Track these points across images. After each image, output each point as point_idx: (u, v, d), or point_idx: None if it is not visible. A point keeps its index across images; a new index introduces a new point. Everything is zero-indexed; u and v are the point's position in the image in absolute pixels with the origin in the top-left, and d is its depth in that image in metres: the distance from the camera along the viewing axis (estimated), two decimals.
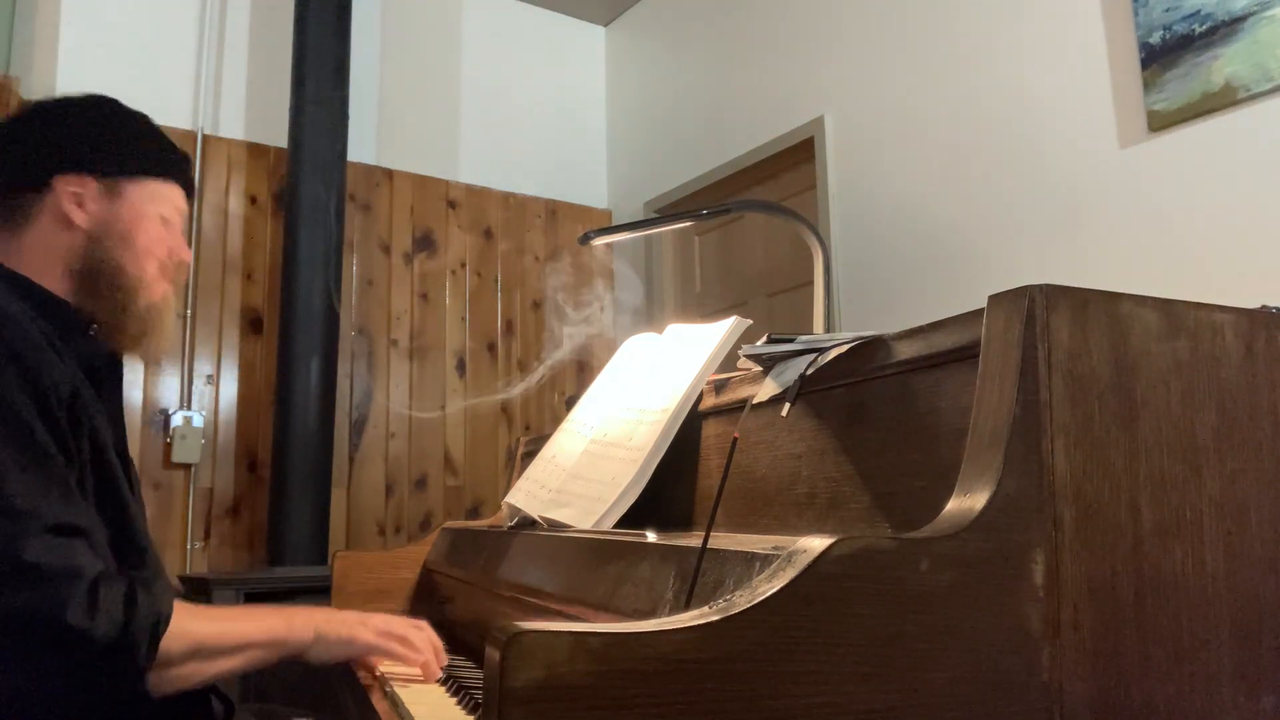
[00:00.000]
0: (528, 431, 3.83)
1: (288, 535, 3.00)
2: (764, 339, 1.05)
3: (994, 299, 0.77)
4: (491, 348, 3.84)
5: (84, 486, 1.05)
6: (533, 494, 1.49)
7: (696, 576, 0.80)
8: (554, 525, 1.34)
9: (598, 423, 1.46)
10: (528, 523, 1.45)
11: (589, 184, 4.24)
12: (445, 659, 1.24)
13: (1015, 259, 2.49)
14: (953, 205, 2.68)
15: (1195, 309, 0.81)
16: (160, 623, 0.99)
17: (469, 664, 1.31)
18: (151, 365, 3.11)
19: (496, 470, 3.74)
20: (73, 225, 1.17)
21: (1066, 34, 2.42)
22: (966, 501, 0.71)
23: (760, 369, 1.12)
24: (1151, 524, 0.75)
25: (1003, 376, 0.74)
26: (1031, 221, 2.47)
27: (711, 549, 0.80)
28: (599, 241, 1.76)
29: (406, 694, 1.13)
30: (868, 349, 0.93)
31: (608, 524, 1.24)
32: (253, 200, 3.40)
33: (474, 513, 3.65)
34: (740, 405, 1.17)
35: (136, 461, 3.08)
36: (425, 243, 3.75)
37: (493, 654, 0.59)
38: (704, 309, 3.72)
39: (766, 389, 1.07)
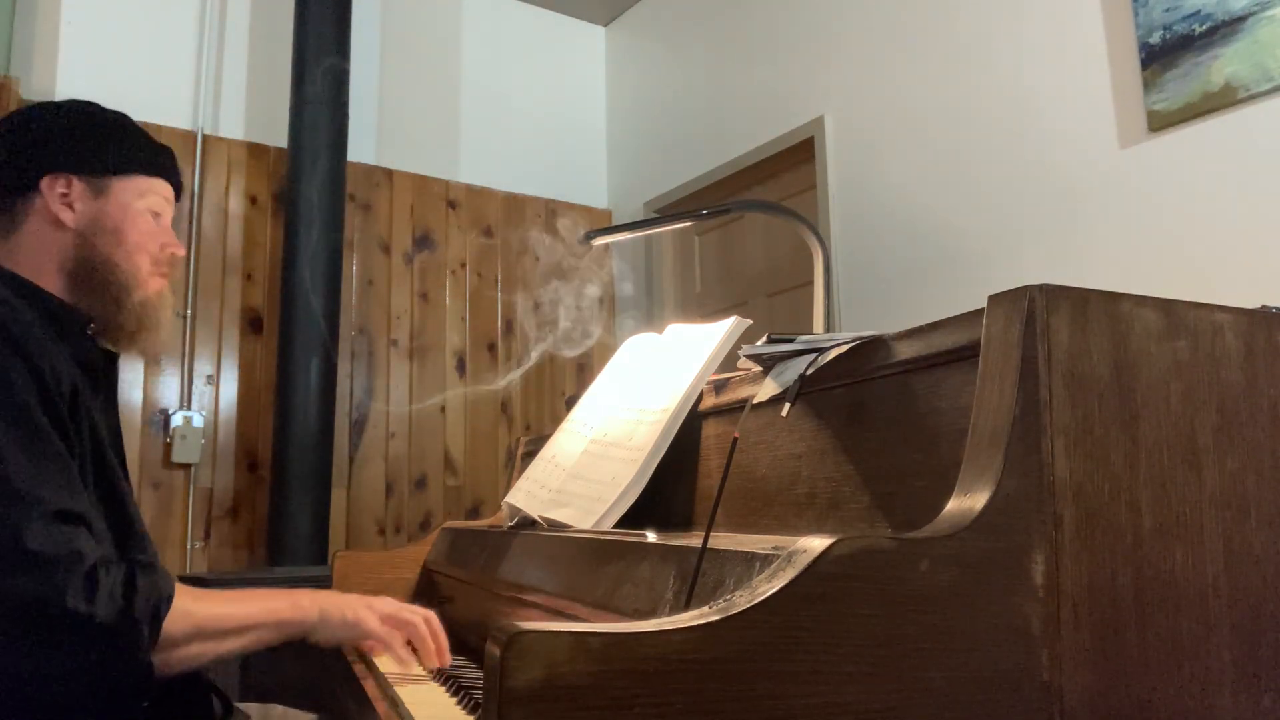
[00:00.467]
0: (528, 431, 3.83)
1: (288, 535, 3.00)
2: (764, 339, 1.05)
3: (994, 299, 0.77)
4: (491, 348, 3.84)
5: (84, 478, 1.06)
6: (533, 494, 1.49)
7: (696, 576, 0.80)
8: (554, 525, 1.34)
9: (598, 423, 1.46)
10: (528, 523, 1.45)
11: (589, 184, 4.24)
12: (449, 659, 1.24)
13: (1015, 259, 2.49)
14: (953, 205, 2.68)
15: (1195, 309, 0.81)
16: (163, 603, 1.00)
17: (469, 664, 1.31)
18: (150, 362, 3.11)
19: (496, 470, 3.74)
20: (63, 225, 1.19)
21: (1066, 34, 2.42)
22: (966, 501, 0.71)
23: (760, 369, 1.12)
24: (1151, 524, 0.75)
25: (1003, 376, 0.74)
26: (1031, 221, 2.47)
27: (711, 549, 0.80)
28: (599, 241, 1.76)
29: (406, 694, 1.13)
30: (868, 349, 0.93)
31: (608, 524, 1.24)
32: (253, 200, 3.40)
33: (474, 513, 3.65)
34: (740, 405, 1.17)
35: (136, 461, 3.09)
36: (425, 243, 3.75)
37: (493, 654, 0.59)
38: (704, 309, 3.72)
39: (766, 389, 1.07)
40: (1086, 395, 0.74)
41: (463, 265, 3.83)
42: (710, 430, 1.27)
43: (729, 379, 1.23)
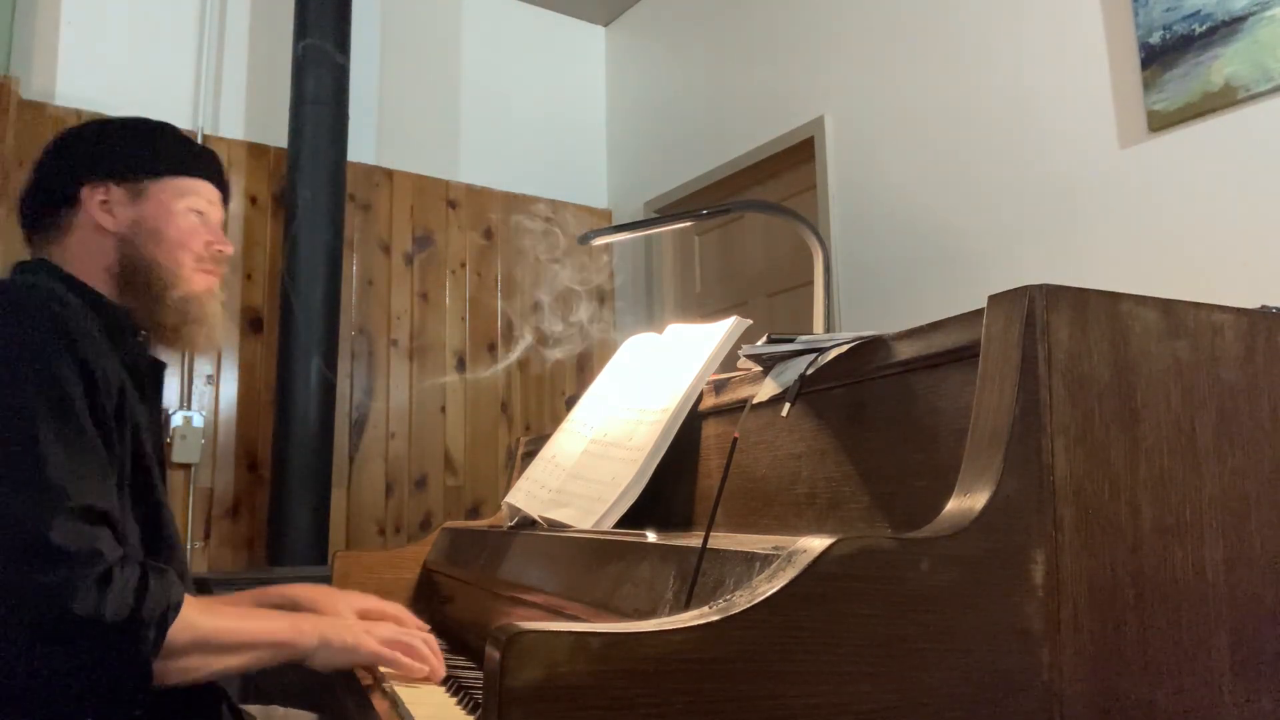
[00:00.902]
0: (528, 431, 3.83)
1: (288, 535, 3.00)
2: (764, 339, 1.05)
3: (994, 299, 0.77)
4: (491, 348, 3.84)
5: (122, 481, 1.09)
6: (533, 494, 1.49)
7: (696, 576, 0.80)
8: (554, 525, 1.34)
9: (598, 423, 1.46)
10: (528, 523, 1.45)
11: (589, 184, 4.24)
12: (443, 670, 1.24)
13: (1015, 259, 2.49)
14: (953, 205, 2.68)
15: (1195, 309, 0.81)
16: (170, 611, 1.01)
17: (469, 664, 1.31)
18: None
19: (496, 470, 3.74)
20: (105, 231, 1.24)
21: (1066, 34, 2.42)
22: (966, 501, 0.71)
23: (760, 369, 1.12)
24: (1151, 524, 0.75)
25: (1003, 376, 0.74)
26: (1031, 221, 2.47)
27: (711, 549, 0.80)
28: (599, 241, 1.76)
29: (406, 694, 1.13)
30: (868, 349, 0.93)
31: (608, 524, 1.24)
32: (253, 200, 3.40)
33: (474, 513, 3.65)
34: (740, 405, 1.17)
35: None
36: (425, 243, 3.75)
37: (493, 654, 0.59)
38: (704, 309, 3.72)
39: (766, 389, 1.07)
40: (1086, 395, 0.74)
41: (463, 265, 3.83)
42: (710, 430, 1.27)
43: (729, 379, 1.23)
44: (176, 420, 3.12)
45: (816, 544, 0.66)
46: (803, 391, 1.02)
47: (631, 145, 4.17)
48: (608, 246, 4.15)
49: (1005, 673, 0.68)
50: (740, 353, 1.11)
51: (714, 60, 3.69)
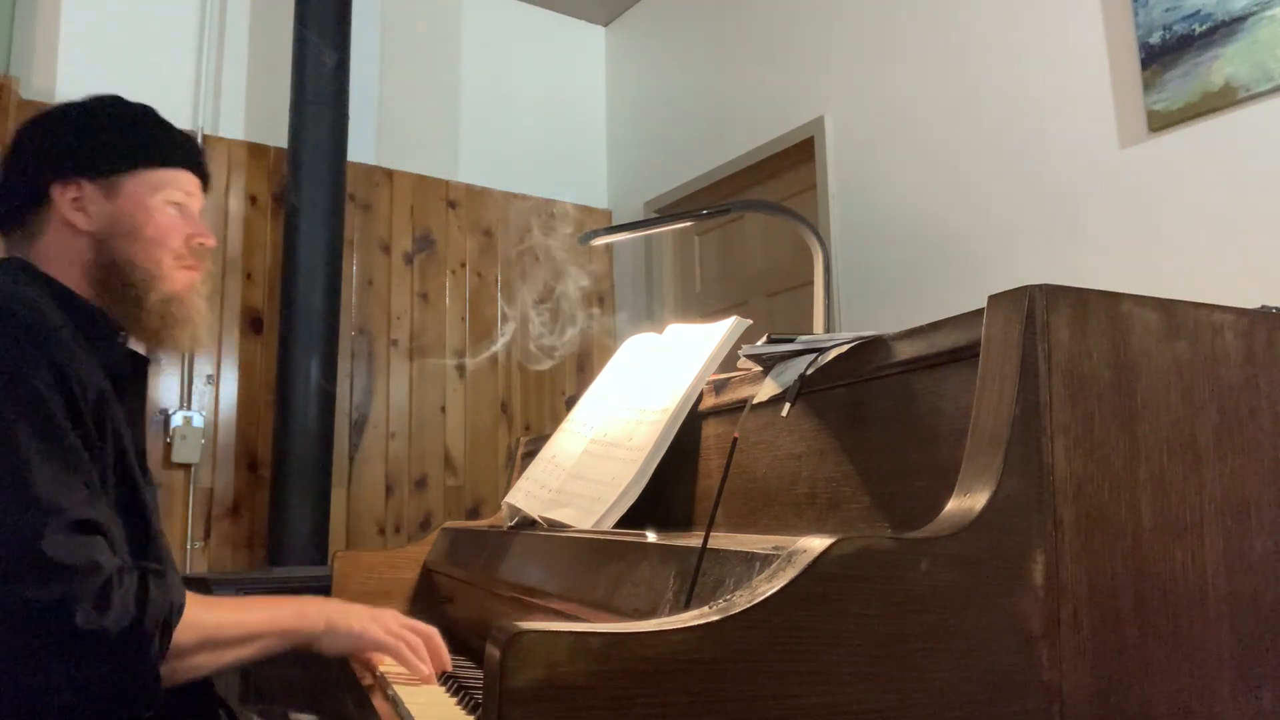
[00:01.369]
0: (528, 431, 3.83)
1: (288, 535, 3.00)
2: (764, 339, 1.05)
3: (994, 299, 0.77)
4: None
5: (105, 486, 1.06)
6: (533, 494, 1.49)
7: (696, 576, 0.80)
8: (554, 525, 1.34)
9: (598, 423, 1.46)
10: (528, 523, 1.45)
11: (589, 184, 4.24)
12: (449, 665, 1.24)
13: (1015, 259, 2.49)
14: (953, 205, 2.68)
15: (1195, 309, 0.81)
16: (173, 613, 1.00)
17: (469, 664, 1.31)
18: (152, 361, 3.11)
19: (496, 470, 3.74)
20: (79, 230, 1.18)
21: (1066, 34, 2.42)
22: (966, 501, 0.71)
23: (760, 369, 1.12)
24: (1151, 524, 0.75)
25: (1003, 376, 0.74)
26: (1031, 221, 2.47)
27: (711, 549, 0.80)
28: (599, 241, 1.76)
29: (407, 694, 1.13)
30: (868, 349, 0.93)
31: (608, 524, 1.24)
32: (253, 200, 3.40)
33: (474, 513, 3.65)
34: (740, 405, 1.17)
35: None
36: (425, 243, 3.75)
37: (493, 654, 0.59)
38: (704, 309, 3.72)
39: (766, 389, 1.07)
40: (1086, 395, 0.74)
41: (463, 265, 3.83)
42: (710, 430, 1.27)
43: (729, 379, 1.23)
44: (176, 420, 3.12)
45: (816, 544, 0.66)
46: (803, 391, 1.02)
47: (631, 145, 4.17)
48: (608, 246, 4.15)
49: (1005, 672, 0.68)
50: (740, 353, 1.11)
51: (714, 60, 3.69)
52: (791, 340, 1.03)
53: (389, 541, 3.47)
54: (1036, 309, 0.74)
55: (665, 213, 3.77)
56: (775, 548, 0.73)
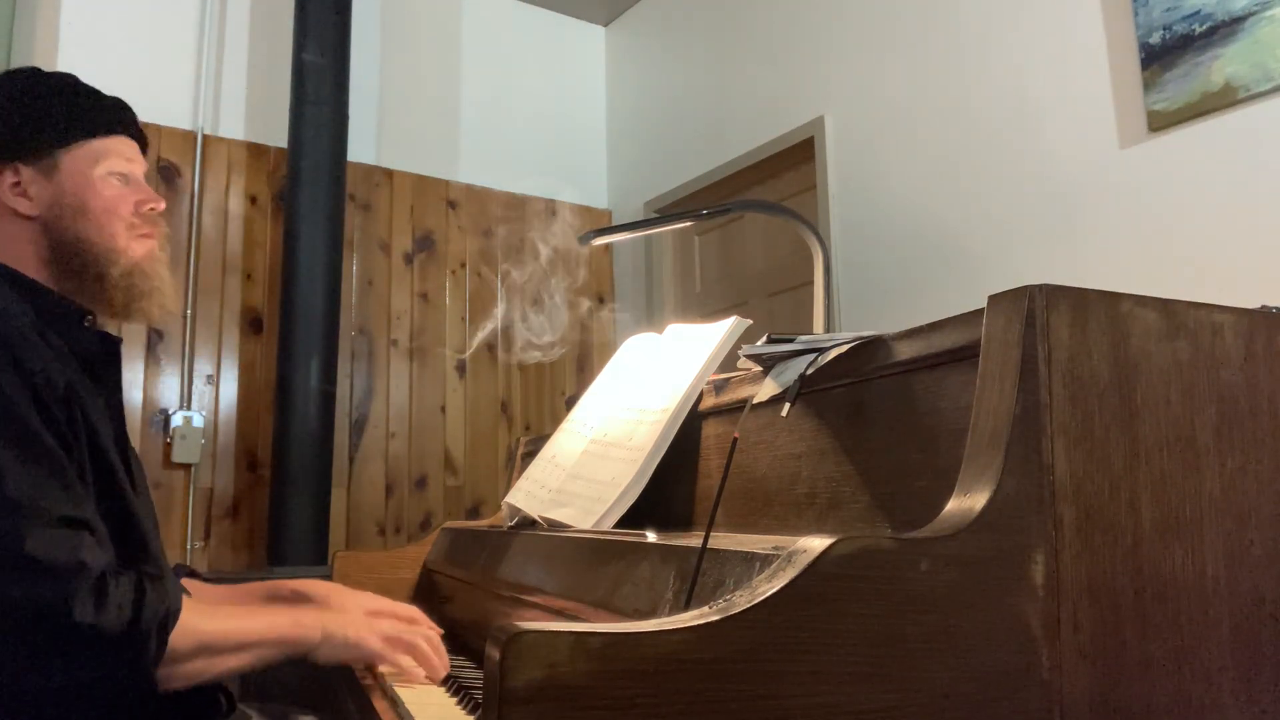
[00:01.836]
0: (528, 431, 3.83)
1: (288, 535, 3.00)
2: (764, 339, 1.05)
3: (994, 299, 0.77)
4: (491, 348, 3.85)
5: (84, 481, 1.04)
6: (533, 494, 1.49)
7: (696, 576, 0.80)
8: (554, 525, 1.34)
9: (598, 423, 1.46)
10: (528, 523, 1.45)
11: (589, 184, 4.24)
12: (449, 666, 1.24)
13: (1015, 259, 2.49)
14: (953, 205, 2.68)
15: (1195, 309, 0.81)
16: (170, 617, 0.99)
17: (469, 664, 1.31)
18: (151, 361, 3.11)
19: (496, 470, 3.74)
20: (24, 216, 1.15)
21: (1066, 34, 2.42)
22: (966, 501, 0.71)
23: (760, 369, 1.12)
24: (1151, 524, 0.75)
25: (1003, 376, 0.74)
26: (1031, 221, 2.47)
27: (711, 549, 0.80)
28: (599, 241, 1.76)
29: (406, 694, 1.13)
30: (868, 349, 0.93)
31: (608, 524, 1.24)
32: (253, 200, 3.40)
33: (474, 513, 3.65)
34: (740, 405, 1.17)
35: None
36: (425, 243, 3.75)
37: (493, 654, 0.59)
38: (704, 309, 3.72)
39: (766, 389, 1.07)
40: (1086, 395, 0.74)
41: (463, 265, 3.83)
42: (710, 430, 1.27)
43: (729, 379, 1.23)
44: (176, 420, 3.12)
45: (816, 544, 0.66)
46: (803, 391, 1.02)
47: (631, 145, 4.17)
48: (608, 246, 4.15)
49: (1005, 673, 0.68)
50: (740, 353, 1.11)
51: (714, 60, 3.69)
52: (791, 340, 1.03)
53: (389, 541, 3.47)
54: (1036, 309, 0.74)
55: (665, 213, 3.77)
56: (775, 548, 0.73)
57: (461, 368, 3.75)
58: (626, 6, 4.23)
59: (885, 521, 0.89)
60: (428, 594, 1.83)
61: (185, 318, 3.20)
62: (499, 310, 3.87)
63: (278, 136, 3.34)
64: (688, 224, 1.77)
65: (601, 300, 4.15)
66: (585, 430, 1.49)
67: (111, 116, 1.22)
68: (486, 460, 3.75)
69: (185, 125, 3.27)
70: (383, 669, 1.25)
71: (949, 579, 0.67)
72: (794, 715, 0.63)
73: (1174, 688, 0.74)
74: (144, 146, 1.26)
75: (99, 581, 0.94)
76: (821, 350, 0.99)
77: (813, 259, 1.63)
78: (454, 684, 1.18)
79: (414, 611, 1.29)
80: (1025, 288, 0.75)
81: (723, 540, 0.86)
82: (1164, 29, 2.18)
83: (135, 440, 3.01)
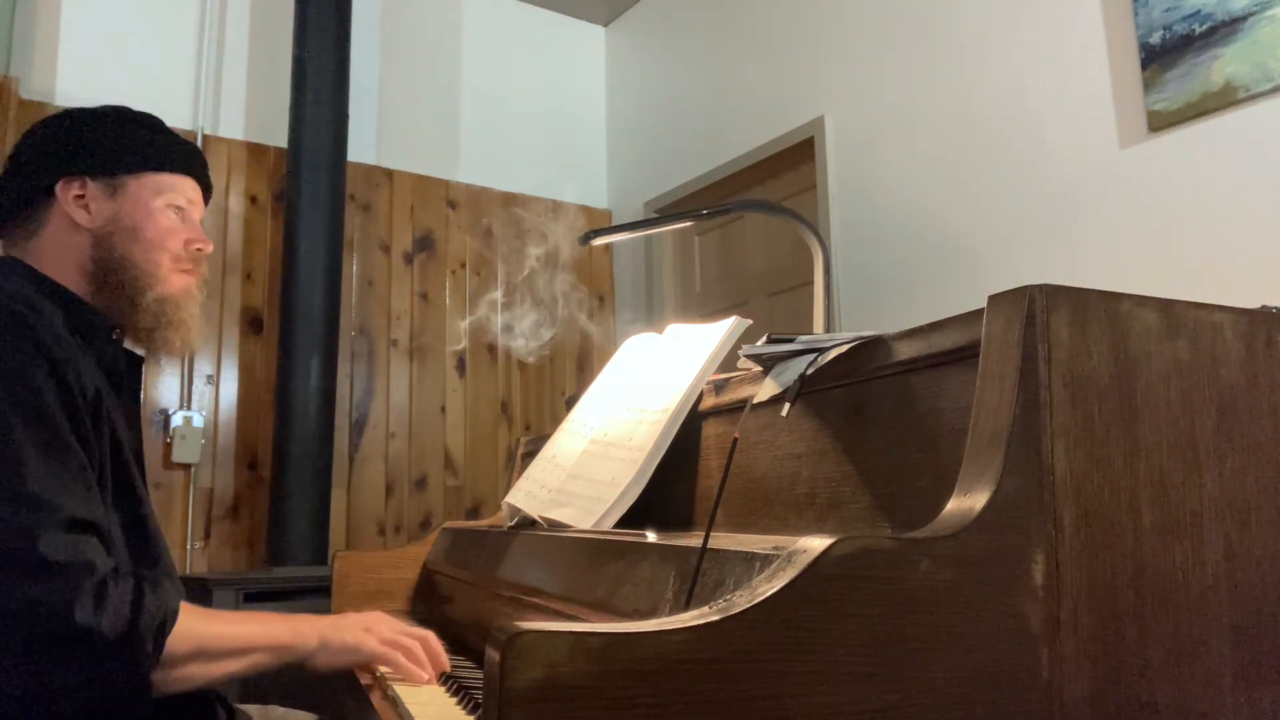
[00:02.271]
0: (528, 431, 3.83)
1: (288, 535, 3.00)
2: (764, 339, 1.05)
3: (994, 299, 0.77)
4: (491, 348, 3.85)
5: (103, 486, 1.06)
6: (533, 494, 1.49)
7: (696, 576, 0.80)
8: (554, 525, 1.34)
9: (598, 423, 1.46)
10: (528, 523, 1.45)
11: (589, 184, 4.24)
12: (448, 666, 1.24)
13: (1015, 259, 2.49)
14: (953, 205, 2.68)
15: (1195, 309, 0.81)
16: (167, 621, 0.99)
17: (469, 664, 1.31)
18: (152, 362, 3.11)
19: (496, 470, 3.74)
20: (80, 227, 1.20)
21: (1066, 34, 2.42)
22: (966, 501, 0.71)
23: (760, 369, 1.12)
24: (1151, 524, 0.75)
25: (1003, 376, 0.74)
26: (1031, 221, 2.47)
27: (711, 549, 0.80)
28: (599, 241, 1.76)
29: (406, 694, 1.13)
30: (868, 349, 0.93)
31: (608, 524, 1.24)
32: (253, 200, 3.40)
33: (474, 513, 3.65)
34: (740, 405, 1.17)
35: None
36: (425, 243, 3.75)
37: (493, 654, 0.59)
38: (704, 309, 3.72)
39: (766, 389, 1.07)
40: (1086, 395, 0.74)
41: (463, 265, 3.83)
42: (710, 430, 1.27)
43: (729, 379, 1.23)
44: (176, 420, 3.12)
45: (816, 544, 0.66)
46: (803, 391, 1.02)
47: (631, 145, 4.17)
48: (608, 246, 4.15)
49: (1005, 672, 0.68)
50: (740, 353, 1.11)
51: (714, 60, 3.69)
52: (791, 340, 1.03)
53: (389, 541, 3.47)
54: (1036, 309, 0.74)
55: (665, 213, 3.77)
56: (775, 548, 0.73)
57: (461, 367, 3.75)
58: (626, 6, 4.23)
59: (885, 521, 0.89)
60: (428, 594, 1.83)
61: None
62: (499, 310, 3.87)
63: (278, 136, 3.34)
64: (688, 224, 1.77)
65: (601, 300, 4.15)
66: (585, 430, 1.49)
67: (184, 158, 1.28)
68: (486, 460, 3.75)
69: (185, 125, 3.27)
70: (382, 669, 1.25)
71: (949, 579, 0.67)
72: (794, 715, 0.63)
73: (1174, 688, 0.74)
74: (208, 195, 1.33)
75: (100, 584, 0.95)
76: (821, 350, 0.99)
77: (813, 259, 1.63)
78: (454, 684, 1.18)
79: (426, 634, 1.27)
80: (1025, 288, 0.75)
81: (723, 540, 0.86)
82: (1164, 29, 2.18)
83: None
